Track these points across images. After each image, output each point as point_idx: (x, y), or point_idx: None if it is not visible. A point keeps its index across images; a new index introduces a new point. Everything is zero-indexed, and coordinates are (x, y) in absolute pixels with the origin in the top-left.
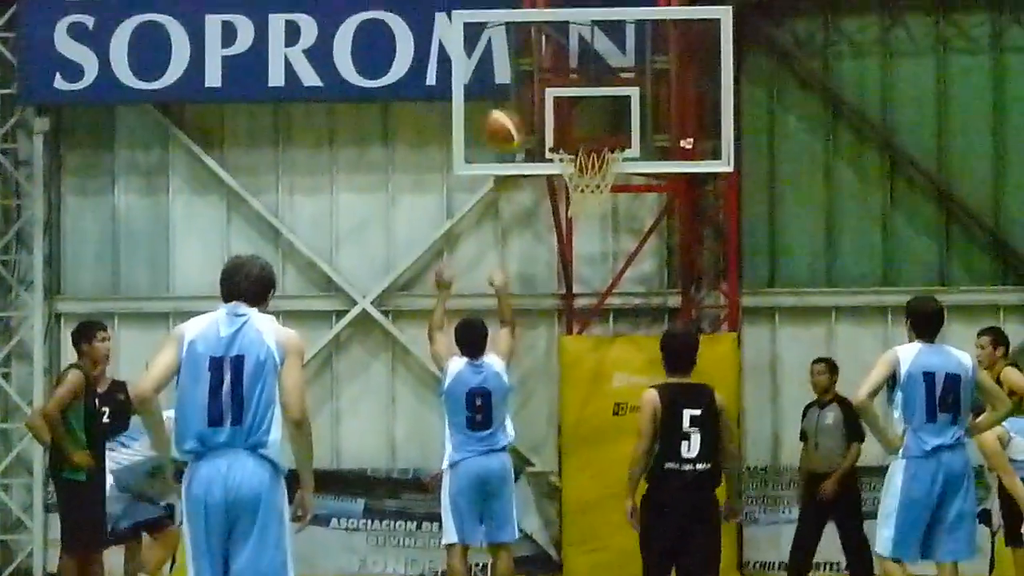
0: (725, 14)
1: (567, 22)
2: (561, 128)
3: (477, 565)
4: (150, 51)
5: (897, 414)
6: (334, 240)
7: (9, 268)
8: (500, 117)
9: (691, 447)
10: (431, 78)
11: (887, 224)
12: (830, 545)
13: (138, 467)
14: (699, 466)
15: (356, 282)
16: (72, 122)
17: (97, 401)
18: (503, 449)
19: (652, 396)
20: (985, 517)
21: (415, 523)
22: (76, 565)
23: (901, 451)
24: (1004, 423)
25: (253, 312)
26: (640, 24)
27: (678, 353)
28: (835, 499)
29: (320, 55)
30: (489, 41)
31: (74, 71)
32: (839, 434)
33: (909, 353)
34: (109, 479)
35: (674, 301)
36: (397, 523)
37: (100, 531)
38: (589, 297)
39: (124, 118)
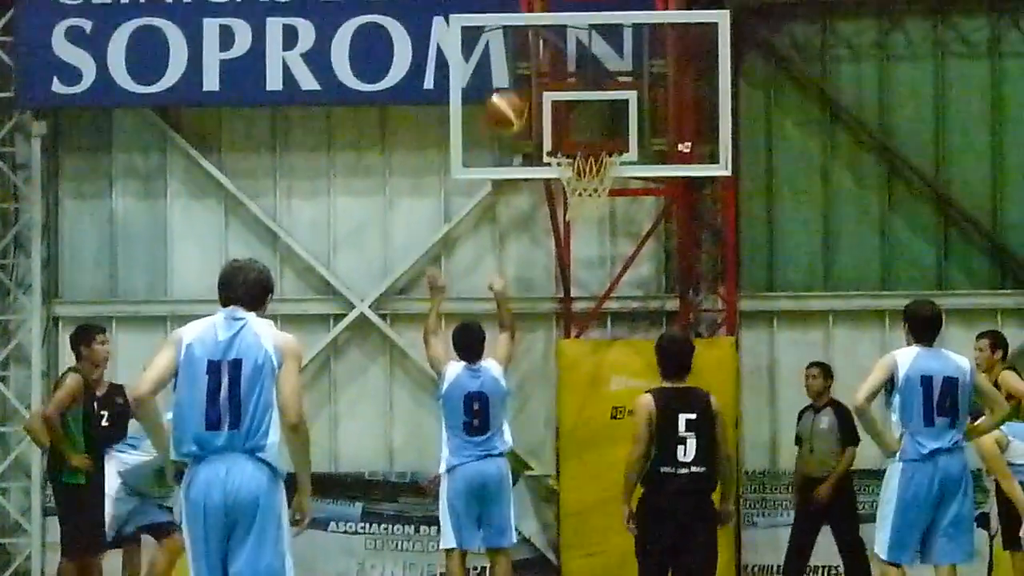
0: (723, 18)
1: (564, 26)
2: (559, 132)
3: (475, 569)
4: (148, 55)
5: (895, 418)
6: (332, 244)
7: (7, 272)
8: (499, 101)
9: (687, 451)
10: (429, 82)
11: (885, 228)
12: (828, 548)
13: (146, 466)
14: (695, 470)
15: (354, 286)
16: (70, 126)
17: (96, 404)
18: (500, 454)
19: (647, 401)
20: (983, 521)
21: (413, 527)
22: (75, 569)
23: (898, 454)
24: (1002, 427)
25: (251, 316)
26: (638, 28)
27: (673, 358)
28: (830, 503)
29: (318, 59)
30: (487, 45)
31: (72, 75)
32: (833, 438)
33: (907, 357)
34: (117, 481)
35: (672, 305)
36: (395, 527)
37: (99, 534)
38: (587, 301)
39: (122, 122)
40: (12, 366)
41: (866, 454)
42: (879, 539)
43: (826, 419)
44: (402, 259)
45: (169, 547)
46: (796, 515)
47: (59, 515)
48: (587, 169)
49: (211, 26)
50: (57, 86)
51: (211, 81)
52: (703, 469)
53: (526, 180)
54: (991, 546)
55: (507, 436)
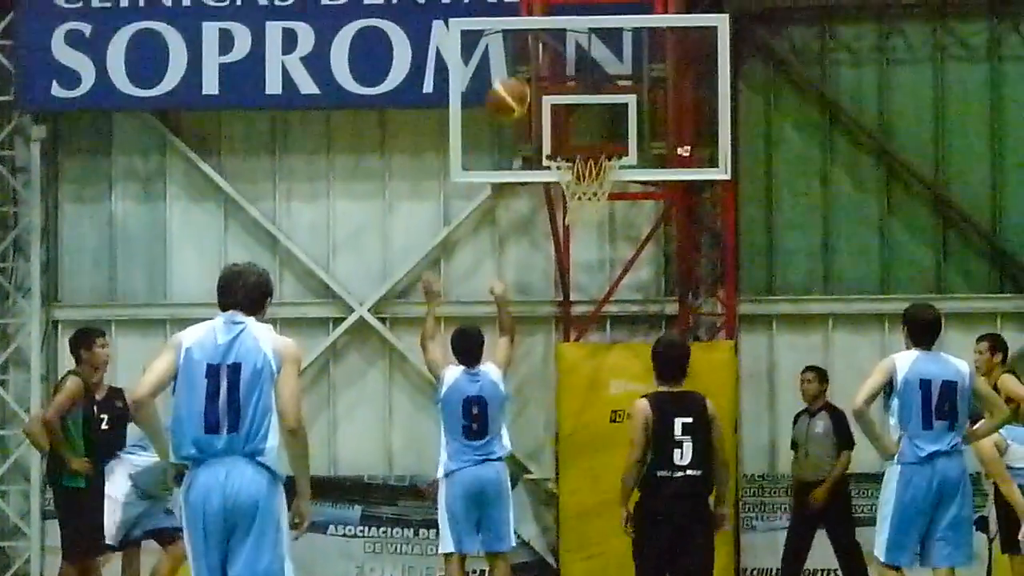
0: (722, 22)
1: (564, 30)
2: (558, 136)
3: (474, 572)
4: (147, 58)
5: (893, 421)
6: (331, 247)
7: (6, 275)
8: (500, 90)
9: (683, 455)
10: (428, 86)
11: (884, 231)
12: (825, 552)
13: (157, 467)
14: (691, 473)
15: (353, 289)
16: (69, 129)
17: (95, 408)
18: (499, 459)
19: (643, 405)
20: (982, 524)
21: (412, 530)
22: (75, 572)
23: (897, 457)
24: (1002, 430)
25: (250, 320)
26: (637, 32)
27: (669, 362)
28: (825, 507)
29: (317, 62)
30: (486, 49)
31: (71, 78)
32: (829, 442)
33: (906, 360)
34: (127, 485)
35: (671, 308)
36: (394, 530)
37: (99, 538)
38: (586, 304)
39: (121, 125)
40: (11, 370)
41: (862, 458)
42: (878, 541)
43: (821, 423)
44: (401, 263)
45: (173, 553)
46: (792, 518)
47: (59, 519)
48: (586, 173)
49: (210, 29)
50: (57, 89)
51: (211, 84)
52: (699, 472)
53: (525, 184)
54: (990, 550)
55: (506, 440)
